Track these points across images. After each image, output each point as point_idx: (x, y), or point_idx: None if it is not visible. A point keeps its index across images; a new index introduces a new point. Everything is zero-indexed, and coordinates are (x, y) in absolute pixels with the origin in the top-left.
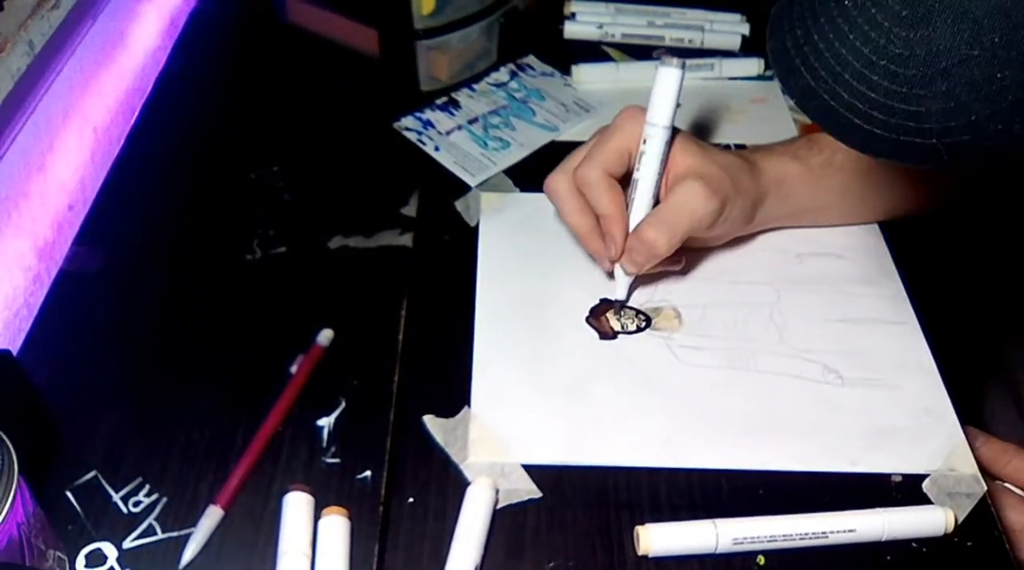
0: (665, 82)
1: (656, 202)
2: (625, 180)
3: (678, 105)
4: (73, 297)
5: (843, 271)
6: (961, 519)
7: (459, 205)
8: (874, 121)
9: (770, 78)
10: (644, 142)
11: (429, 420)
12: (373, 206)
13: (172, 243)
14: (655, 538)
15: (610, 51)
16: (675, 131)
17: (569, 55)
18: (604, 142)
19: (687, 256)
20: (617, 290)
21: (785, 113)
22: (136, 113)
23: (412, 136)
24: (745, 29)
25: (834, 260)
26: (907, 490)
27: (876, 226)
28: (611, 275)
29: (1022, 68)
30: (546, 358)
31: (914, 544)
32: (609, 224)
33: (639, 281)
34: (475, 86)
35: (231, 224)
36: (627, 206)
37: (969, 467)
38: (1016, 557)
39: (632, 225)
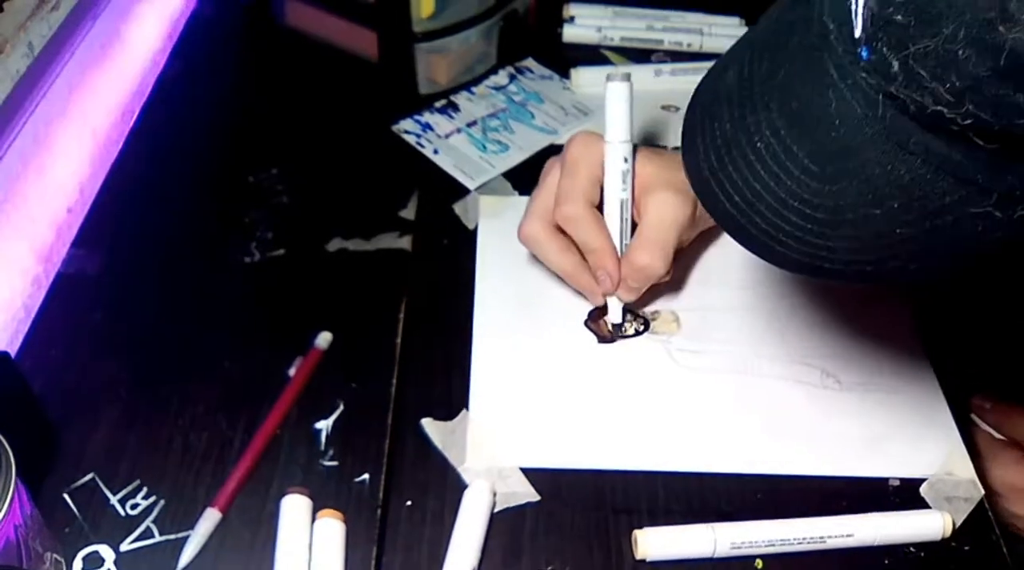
0: (616, 98)
1: (632, 220)
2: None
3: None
4: (71, 300)
5: None
6: (959, 523)
7: (458, 208)
8: (789, 247)
9: None
10: (607, 163)
11: (427, 423)
12: (372, 209)
13: (170, 246)
14: (653, 542)
15: (609, 54)
16: (635, 145)
17: (568, 58)
18: (575, 175)
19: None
20: (611, 315)
21: None
22: (135, 115)
23: (411, 139)
24: (744, 33)
25: None
26: (905, 494)
27: None
28: (603, 306)
29: (918, 226)
30: (544, 362)
31: (912, 548)
32: (601, 258)
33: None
34: (474, 89)
35: (229, 227)
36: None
37: (966, 471)
38: (1002, 512)
39: (616, 248)
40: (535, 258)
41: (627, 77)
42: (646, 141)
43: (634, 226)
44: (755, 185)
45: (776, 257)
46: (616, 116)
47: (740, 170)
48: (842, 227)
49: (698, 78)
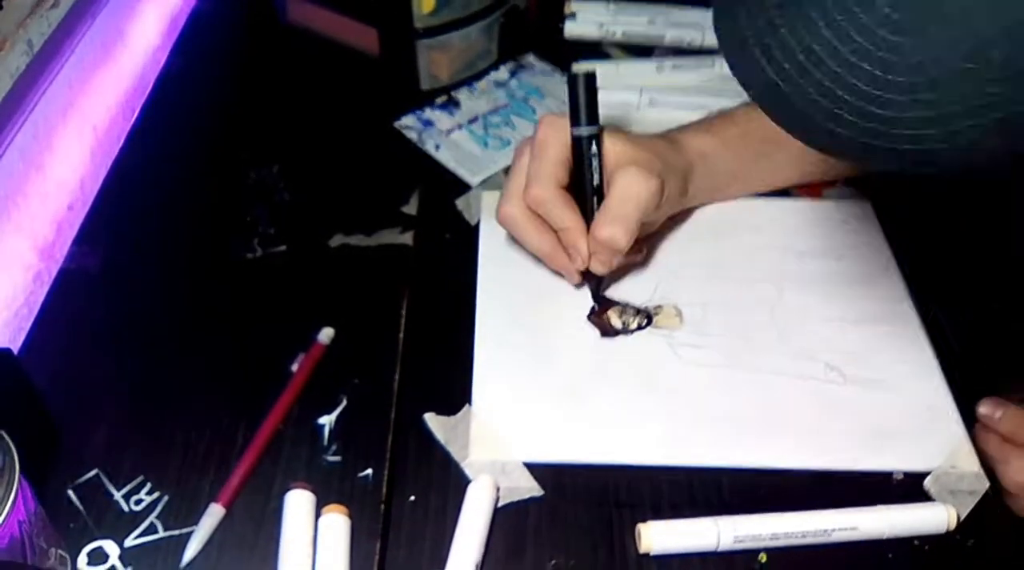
0: (580, 87)
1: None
2: (568, 189)
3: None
4: (73, 296)
5: (844, 270)
6: (963, 516)
7: (460, 204)
8: (841, 122)
9: None
10: (575, 150)
11: (430, 418)
12: (374, 205)
13: (172, 242)
14: (656, 536)
15: (610, 50)
16: (600, 129)
17: (569, 54)
18: (542, 157)
19: (652, 244)
20: (592, 298)
21: None
22: (136, 112)
23: (412, 135)
24: None
25: (835, 259)
26: (909, 488)
27: (877, 225)
28: (580, 286)
29: (1016, 87)
30: (547, 356)
31: (916, 541)
32: (571, 236)
33: (636, 280)
34: (475, 85)
35: (232, 223)
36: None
37: (971, 464)
38: (1020, 511)
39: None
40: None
41: (591, 69)
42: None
43: None
44: (813, 46)
45: (824, 136)
46: (581, 105)
47: (795, 30)
48: (920, 91)
49: (699, 74)
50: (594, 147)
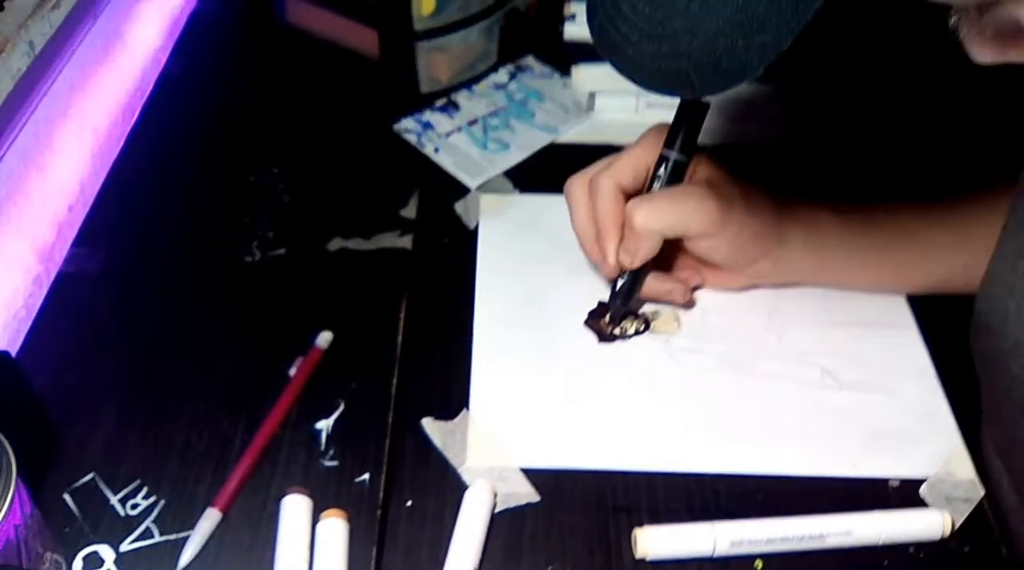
0: (686, 113)
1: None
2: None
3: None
4: (72, 298)
5: None
6: (959, 523)
7: (459, 207)
8: (641, 51)
9: (767, 79)
10: (659, 164)
11: (428, 423)
12: (372, 208)
13: (171, 245)
14: (653, 541)
15: None
16: (696, 153)
17: (569, 56)
18: (623, 155)
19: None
20: (610, 300)
21: None
22: (136, 114)
23: (412, 138)
24: None
25: None
26: (905, 494)
27: None
28: (604, 306)
29: None
30: (545, 361)
31: (911, 548)
32: (604, 236)
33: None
34: (475, 87)
35: (230, 226)
36: None
37: (967, 471)
38: None
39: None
40: (535, 257)
41: (708, 102)
42: None
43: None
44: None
45: (629, 64)
46: (678, 128)
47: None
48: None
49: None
50: (668, 171)
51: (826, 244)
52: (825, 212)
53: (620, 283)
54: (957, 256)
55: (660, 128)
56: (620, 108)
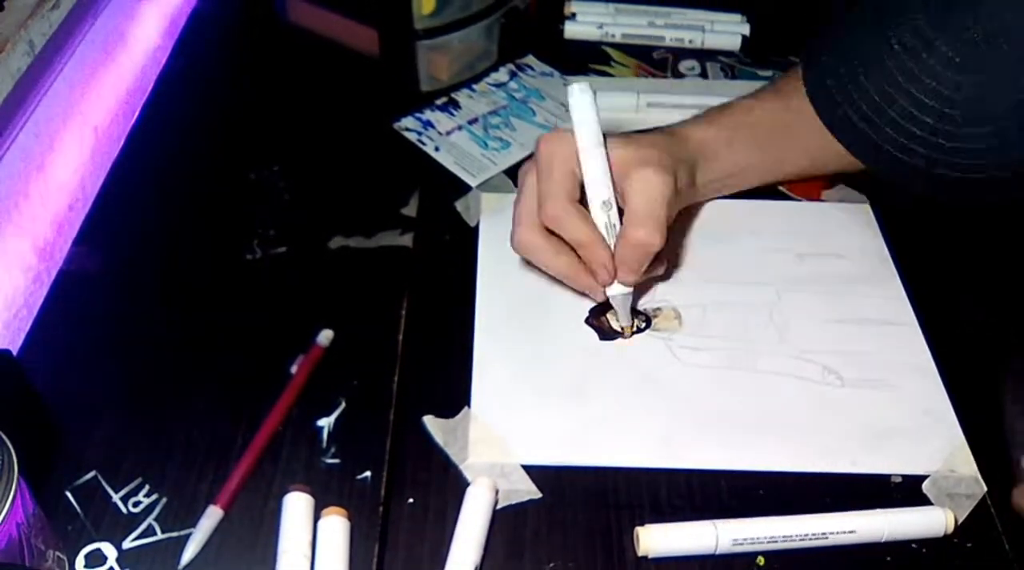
0: (581, 106)
1: (619, 212)
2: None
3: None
4: (73, 297)
5: (843, 271)
6: (961, 520)
7: (459, 205)
8: (914, 154)
9: (766, 77)
10: (585, 168)
11: (429, 421)
12: (373, 206)
13: (172, 243)
14: (655, 539)
15: (610, 51)
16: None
17: (569, 55)
18: (550, 175)
19: (671, 258)
20: (621, 317)
21: None
22: (136, 113)
23: (412, 136)
24: (745, 29)
25: (834, 260)
26: (907, 491)
27: (876, 226)
28: (605, 303)
29: None
30: (546, 358)
31: (914, 545)
32: (594, 250)
33: (637, 292)
34: (475, 86)
35: (231, 224)
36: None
37: (969, 468)
38: None
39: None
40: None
41: (589, 86)
42: None
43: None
44: (886, 87)
45: (891, 167)
46: (584, 123)
47: (871, 74)
48: (979, 123)
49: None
50: (604, 163)
51: (718, 154)
52: (705, 126)
53: (615, 295)
54: (820, 142)
55: (551, 134)
56: (620, 107)
